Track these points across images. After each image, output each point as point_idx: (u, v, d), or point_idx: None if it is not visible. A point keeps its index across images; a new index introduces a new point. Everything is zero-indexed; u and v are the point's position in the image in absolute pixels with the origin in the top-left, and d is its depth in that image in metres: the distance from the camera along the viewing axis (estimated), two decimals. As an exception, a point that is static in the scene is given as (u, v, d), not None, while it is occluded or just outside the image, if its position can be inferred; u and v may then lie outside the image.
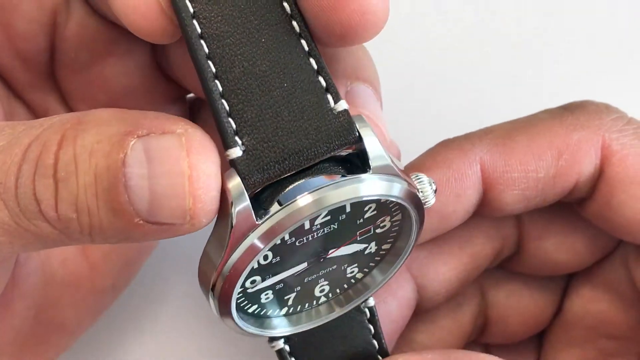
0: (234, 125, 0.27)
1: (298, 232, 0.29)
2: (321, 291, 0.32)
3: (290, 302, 0.32)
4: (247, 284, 0.30)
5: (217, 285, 0.28)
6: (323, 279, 0.31)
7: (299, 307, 0.32)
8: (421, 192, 0.30)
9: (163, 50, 0.36)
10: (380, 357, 0.34)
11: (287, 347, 0.32)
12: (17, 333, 0.35)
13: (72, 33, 0.35)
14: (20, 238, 0.28)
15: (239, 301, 0.30)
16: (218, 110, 0.27)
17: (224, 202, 0.27)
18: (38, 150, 0.27)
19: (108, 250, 0.38)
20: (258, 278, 0.30)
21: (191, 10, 0.28)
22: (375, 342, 0.33)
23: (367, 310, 0.33)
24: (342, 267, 0.31)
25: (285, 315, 0.32)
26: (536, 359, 0.40)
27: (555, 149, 0.33)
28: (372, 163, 0.28)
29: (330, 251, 0.30)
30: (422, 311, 0.37)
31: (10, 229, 0.27)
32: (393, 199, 0.28)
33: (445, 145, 0.34)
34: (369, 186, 0.28)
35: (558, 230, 0.36)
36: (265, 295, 0.31)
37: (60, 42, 0.35)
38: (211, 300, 0.29)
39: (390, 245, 0.31)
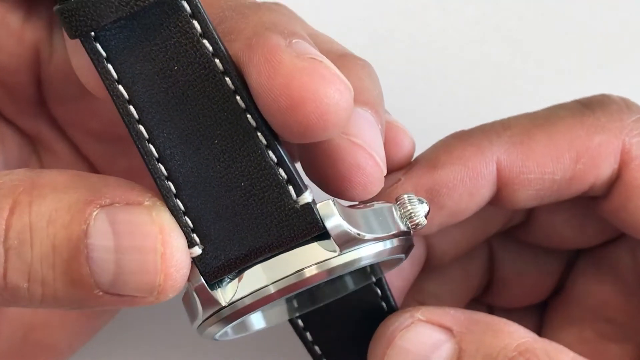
0: (190, 224, 0.27)
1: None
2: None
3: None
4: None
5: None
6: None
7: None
8: (413, 216, 0.29)
9: None
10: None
11: (295, 303, 0.33)
12: (4, 355, 0.35)
13: (57, 69, 0.34)
14: None
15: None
16: (173, 209, 0.27)
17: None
18: None
19: None
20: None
21: (136, 116, 0.27)
22: (384, 303, 0.33)
23: (372, 277, 0.33)
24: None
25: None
26: (536, 333, 0.40)
27: (574, 151, 0.33)
28: (341, 248, 0.27)
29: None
30: (430, 267, 0.37)
31: None
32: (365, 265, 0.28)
33: (462, 140, 0.34)
34: (335, 267, 0.27)
35: (569, 205, 0.36)
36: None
37: (46, 77, 0.34)
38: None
39: None
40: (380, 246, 0.28)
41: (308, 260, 0.27)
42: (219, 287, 0.28)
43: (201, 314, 0.28)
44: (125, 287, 0.26)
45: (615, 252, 0.37)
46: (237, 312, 0.27)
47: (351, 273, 0.32)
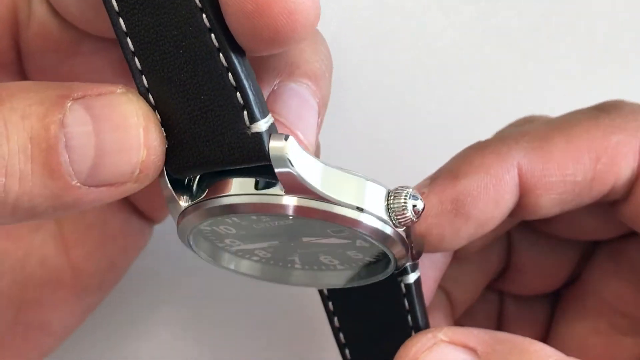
0: (159, 118, 0.28)
1: (246, 218, 0.29)
2: (330, 261, 0.32)
3: (297, 260, 0.32)
4: (228, 242, 0.31)
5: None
6: (322, 253, 0.31)
7: (315, 266, 0.32)
8: (392, 210, 0.29)
9: None
10: (413, 332, 0.33)
11: (325, 291, 0.34)
12: None
13: (35, 33, 0.33)
14: None
15: (237, 254, 0.32)
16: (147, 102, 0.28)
17: None
18: None
19: (91, 250, 0.37)
20: (236, 241, 0.31)
21: (116, 8, 0.27)
22: (410, 318, 0.33)
23: (403, 287, 0.33)
24: (338, 250, 0.31)
25: (302, 269, 0.32)
26: (546, 323, 0.40)
27: (593, 152, 0.33)
28: (284, 185, 0.28)
29: (303, 238, 0.30)
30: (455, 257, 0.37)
31: None
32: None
33: (480, 149, 0.34)
34: (264, 205, 0.28)
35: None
36: (263, 253, 0.31)
37: (24, 42, 0.34)
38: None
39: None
40: (328, 208, 0.28)
41: (245, 189, 0.28)
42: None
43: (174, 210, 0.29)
44: (105, 171, 0.26)
45: (633, 246, 0.37)
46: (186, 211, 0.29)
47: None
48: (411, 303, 0.33)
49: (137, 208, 0.38)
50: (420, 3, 0.46)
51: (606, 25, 0.47)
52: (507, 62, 0.47)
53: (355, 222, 0.28)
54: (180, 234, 0.30)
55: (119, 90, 0.27)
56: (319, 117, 0.30)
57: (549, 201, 0.33)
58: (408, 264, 0.32)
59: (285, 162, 0.27)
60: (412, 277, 0.32)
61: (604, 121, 0.33)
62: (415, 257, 0.32)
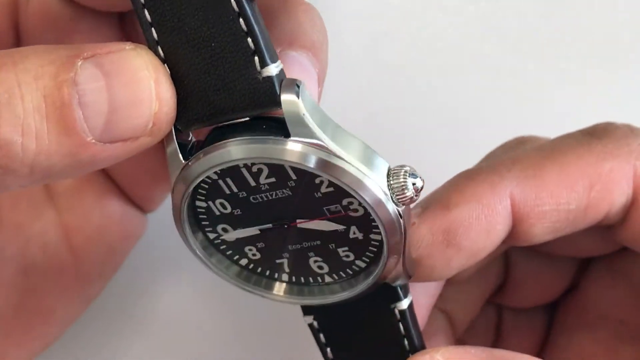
0: (168, 72, 0.28)
1: (245, 186, 0.29)
2: (320, 268, 0.32)
3: (286, 268, 0.32)
4: (220, 230, 0.31)
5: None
6: (312, 253, 0.31)
7: (302, 278, 0.32)
8: (392, 189, 0.29)
9: (132, 22, 0.35)
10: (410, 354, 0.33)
11: (316, 324, 0.33)
12: (1, 320, 0.35)
13: (34, 10, 0.34)
14: None
15: (227, 253, 0.31)
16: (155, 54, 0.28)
17: None
18: None
19: (91, 235, 0.37)
20: (227, 226, 0.31)
21: None
22: (406, 342, 0.33)
23: (397, 313, 0.32)
24: (330, 246, 0.31)
25: (289, 282, 0.32)
26: (544, 333, 0.39)
27: (586, 179, 0.33)
28: (292, 129, 0.28)
29: (297, 220, 0.30)
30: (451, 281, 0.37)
31: None
32: (309, 170, 0.28)
33: (471, 178, 0.33)
34: (268, 149, 0.28)
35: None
36: (250, 250, 0.31)
37: (24, 22, 0.34)
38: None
39: (381, 237, 0.30)
40: (333, 161, 0.28)
41: (250, 135, 0.28)
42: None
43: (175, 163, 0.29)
44: (118, 127, 0.27)
45: (631, 258, 0.36)
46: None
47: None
48: (407, 328, 0.33)
49: (129, 196, 0.38)
50: (420, 3, 0.46)
51: (606, 25, 0.47)
52: (507, 62, 0.47)
53: (359, 184, 0.28)
54: (175, 213, 0.30)
55: (127, 47, 0.27)
56: (319, 88, 0.31)
57: (542, 229, 0.33)
58: (399, 284, 0.32)
59: (297, 105, 0.28)
60: (405, 303, 0.32)
61: (596, 147, 0.33)
62: (409, 274, 0.32)
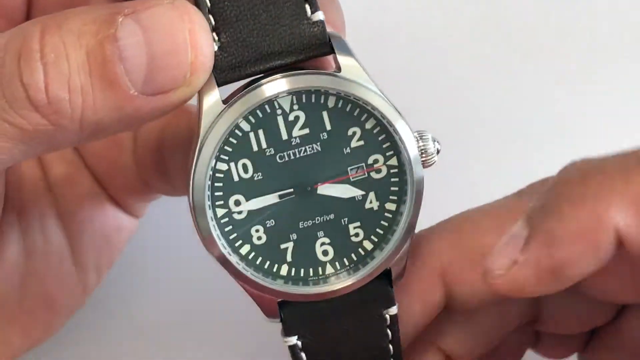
0: (212, 22, 0.29)
1: (275, 141, 0.30)
2: (324, 253, 0.32)
3: (288, 257, 0.32)
4: (231, 204, 0.31)
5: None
6: (322, 232, 0.31)
7: (301, 271, 0.32)
8: (423, 150, 0.30)
9: None
10: None
11: (299, 344, 0.32)
12: (2, 302, 0.35)
13: None
14: (5, 138, 0.28)
15: (226, 229, 0.31)
16: (199, 5, 0.29)
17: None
18: (19, 41, 0.28)
19: (84, 220, 0.37)
20: (241, 197, 0.31)
21: None
22: (391, 347, 0.33)
23: (388, 317, 0.33)
24: (342, 221, 0.31)
25: (285, 277, 0.32)
26: (579, 350, 0.38)
27: None
28: (343, 66, 0.30)
29: (318, 183, 0.31)
30: (453, 312, 0.35)
31: None
32: (359, 102, 0.30)
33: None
34: (331, 80, 0.29)
35: (617, 271, 0.33)
36: (256, 230, 0.31)
37: None
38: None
39: (395, 206, 0.31)
40: (378, 94, 0.30)
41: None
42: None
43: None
44: (158, 78, 0.28)
45: None
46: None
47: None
48: (395, 332, 0.33)
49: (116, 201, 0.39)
50: (420, 3, 0.46)
51: (606, 25, 0.47)
52: (507, 62, 0.47)
53: (396, 119, 0.30)
54: (199, 178, 0.30)
55: (166, 1, 0.28)
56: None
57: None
58: (396, 275, 0.32)
59: (347, 46, 0.30)
60: (396, 308, 0.33)
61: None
62: (401, 273, 0.32)
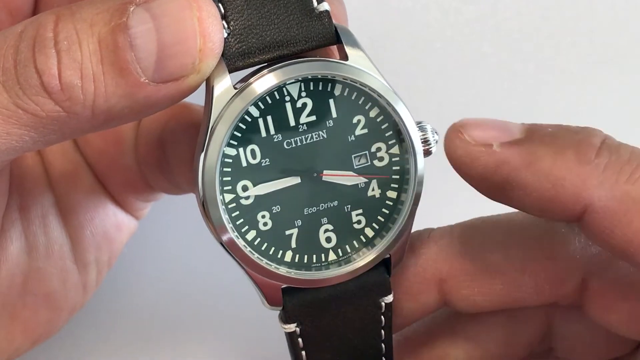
0: (222, 10, 0.30)
1: (283, 127, 0.30)
2: (327, 240, 0.32)
3: (293, 243, 0.32)
4: (239, 189, 0.31)
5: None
6: (325, 218, 0.32)
7: (305, 257, 0.32)
8: (423, 140, 0.31)
9: None
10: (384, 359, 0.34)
11: (298, 330, 0.33)
12: (5, 299, 0.35)
13: None
14: (18, 125, 0.28)
15: (233, 214, 0.31)
16: None
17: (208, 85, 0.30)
18: (34, 30, 0.28)
19: (84, 217, 0.38)
20: (249, 183, 0.31)
21: None
22: (383, 332, 0.34)
23: (383, 305, 0.33)
24: (345, 208, 0.32)
25: (290, 263, 0.32)
26: None
27: None
28: (350, 55, 0.30)
29: (324, 169, 0.31)
30: (457, 321, 0.36)
31: (8, 114, 0.28)
32: (365, 89, 0.30)
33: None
34: (339, 67, 0.30)
35: (624, 304, 0.33)
36: (262, 216, 0.31)
37: None
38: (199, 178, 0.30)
39: (396, 195, 0.32)
40: (382, 81, 0.31)
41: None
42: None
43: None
44: (168, 66, 0.28)
45: None
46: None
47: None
48: (389, 318, 0.33)
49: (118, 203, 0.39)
50: (420, 3, 0.46)
51: (606, 25, 0.47)
52: (506, 62, 0.47)
53: (402, 108, 0.31)
54: (209, 165, 0.30)
55: None
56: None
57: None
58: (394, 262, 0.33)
59: (353, 36, 0.31)
60: (392, 297, 0.33)
61: None
62: (398, 260, 0.33)
